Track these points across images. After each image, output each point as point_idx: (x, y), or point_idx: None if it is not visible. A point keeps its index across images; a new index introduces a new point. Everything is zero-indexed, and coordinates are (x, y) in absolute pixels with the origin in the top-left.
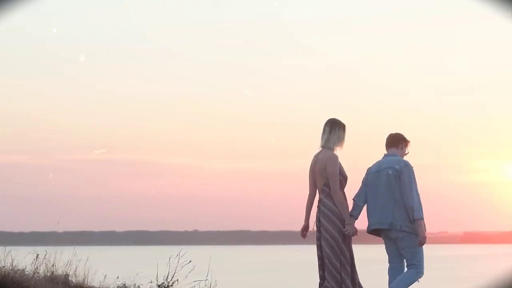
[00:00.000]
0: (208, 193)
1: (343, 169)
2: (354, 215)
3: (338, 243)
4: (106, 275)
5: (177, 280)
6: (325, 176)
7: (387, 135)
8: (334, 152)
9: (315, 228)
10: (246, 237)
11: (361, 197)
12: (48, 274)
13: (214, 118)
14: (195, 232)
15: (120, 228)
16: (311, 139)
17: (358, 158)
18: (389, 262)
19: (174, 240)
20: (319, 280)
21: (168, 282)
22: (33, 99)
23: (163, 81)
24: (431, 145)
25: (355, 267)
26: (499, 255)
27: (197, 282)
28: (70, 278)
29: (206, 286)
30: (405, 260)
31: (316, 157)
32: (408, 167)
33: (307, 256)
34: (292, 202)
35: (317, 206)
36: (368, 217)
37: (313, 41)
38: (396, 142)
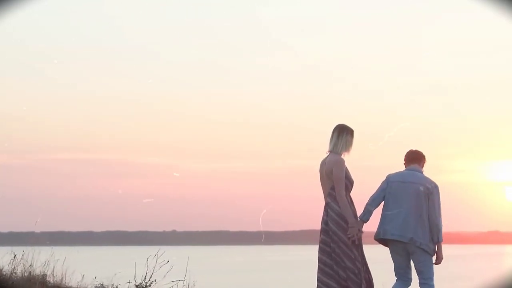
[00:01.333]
0: (186, 193)
1: (349, 173)
2: (365, 219)
3: (349, 246)
4: (84, 275)
5: (155, 280)
6: (332, 179)
7: (408, 151)
8: (341, 157)
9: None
10: (225, 237)
11: (376, 203)
12: (26, 274)
13: (191, 118)
14: (173, 232)
15: (97, 228)
16: (288, 139)
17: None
18: (395, 275)
19: (152, 240)
20: (316, 283)
21: (146, 282)
22: (12, 98)
23: (141, 80)
24: (406, 146)
25: (367, 267)
26: (477, 255)
27: (175, 282)
28: (47, 278)
29: (184, 286)
30: (417, 274)
31: (324, 161)
32: (437, 188)
33: (285, 256)
34: (270, 202)
35: (324, 210)
36: (384, 225)
37: (289, 40)
38: (419, 159)
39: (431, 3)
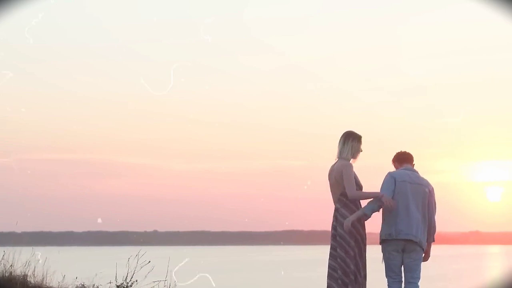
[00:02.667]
0: (167, 194)
1: (357, 177)
2: (369, 215)
3: (354, 251)
4: (64, 275)
5: (136, 281)
6: (342, 184)
7: (397, 153)
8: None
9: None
10: (206, 237)
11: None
12: (7, 275)
13: (174, 117)
14: (155, 232)
15: (79, 228)
16: (270, 139)
17: (313, 157)
18: (391, 276)
19: (134, 241)
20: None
21: (127, 283)
22: None
23: (122, 79)
24: (388, 146)
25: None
26: (458, 256)
27: (156, 283)
28: (28, 279)
29: (166, 287)
30: (405, 272)
31: (332, 168)
32: (433, 191)
33: (266, 256)
34: (251, 203)
35: (334, 216)
36: (397, 225)
37: (272, 40)
38: (410, 160)
39: (410, 3)
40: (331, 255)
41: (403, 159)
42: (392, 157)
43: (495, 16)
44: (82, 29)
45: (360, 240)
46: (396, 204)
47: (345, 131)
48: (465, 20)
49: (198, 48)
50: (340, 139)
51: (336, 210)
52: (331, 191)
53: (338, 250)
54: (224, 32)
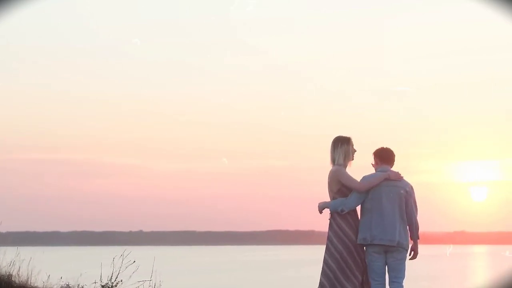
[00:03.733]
0: (153, 194)
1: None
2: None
3: (344, 257)
4: (49, 275)
5: (121, 281)
6: (334, 191)
7: (381, 148)
8: (344, 167)
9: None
10: (191, 237)
11: (357, 205)
12: None
13: (159, 117)
14: (140, 232)
15: (64, 228)
16: (256, 139)
17: (298, 157)
18: (374, 279)
19: (119, 241)
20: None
21: (112, 283)
22: None
23: (109, 79)
24: (374, 147)
25: (367, 277)
26: (443, 255)
27: (141, 283)
28: (13, 279)
29: (150, 287)
30: (388, 272)
31: (328, 174)
32: (413, 188)
33: (251, 256)
34: (237, 203)
35: (329, 223)
36: (371, 230)
37: (257, 41)
38: (392, 159)
39: (394, 5)
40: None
41: (385, 158)
42: (374, 150)
43: (476, 18)
44: (69, 28)
45: (350, 245)
46: (371, 210)
47: (334, 137)
48: (448, 22)
49: (185, 49)
50: (331, 146)
51: (331, 216)
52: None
53: (325, 254)
54: (210, 33)
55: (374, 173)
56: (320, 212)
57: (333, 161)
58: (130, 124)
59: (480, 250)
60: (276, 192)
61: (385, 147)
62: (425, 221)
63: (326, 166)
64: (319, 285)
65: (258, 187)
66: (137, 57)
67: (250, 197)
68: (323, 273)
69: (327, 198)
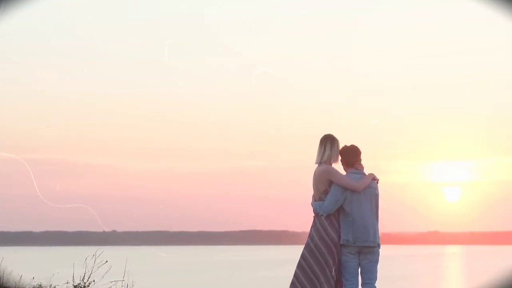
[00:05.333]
0: (126, 193)
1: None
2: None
3: (323, 255)
4: (21, 275)
5: (94, 281)
6: (320, 190)
7: (350, 148)
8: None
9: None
10: (165, 237)
11: (337, 207)
12: None
13: (133, 117)
14: (114, 232)
15: (37, 228)
16: (229, 139)
17: (272, 158)
18: (347, 279)
19: (92, 241)
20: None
21: (85, 283)
22: None
23: (84, 79)
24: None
25: (339, 277)
26: (416, 256)
27: (113, 283)
28: None
29: (123, 287)
30: (361, 274)
31: (314, 171)
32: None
33: (223, 256)
34: (211, 203)
35: (313, 220)
36: (354, 232)
37: (233, 41)
38: (359, 159)
39: (367, 6)
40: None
41: (355, 156)
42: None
43: (451, 19)
44: (49, 27)
45: (331, 245)
46: (352, 212)
47: (325, 135)
48: (422, 23)
49: (160, 49)
50: (326, 144)
51: (316, 214)
52: (313, 195)
53: (304, 250)
54: (185, 34)
55: (359, 175)
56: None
57: (317, 159)
58: (105, 124)
59: (453, 250)
60: (250, 192)
61: (349, 146)
62: (398, 222)
63: (300, 166)
64: (294, 276)
65: (232, 187)
66: (113, 57)
67: (223, 197)
68: (299, 266)
69: (301, 198)
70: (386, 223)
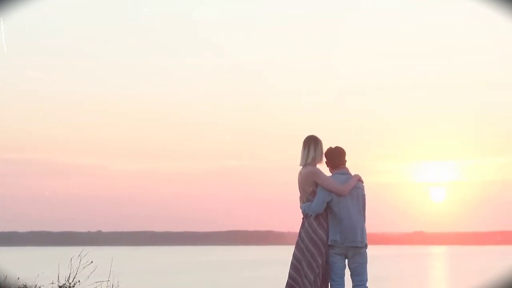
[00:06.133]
0: (112, 194)
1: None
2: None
3: (313, 255)
4: (6, 276)
5: (79, 281)
6: (307, 191)
7: (335, 149)
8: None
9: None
10: (150, 237)
11: (323, 207)
12: None
13: (118, 117)
14: (99, 232)
15: (22, 228)
16: (213, 139)
17: (257, 157)
18: (334, 280)
19: (77, 241)
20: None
21: (70, 283)
22: None
23: (70, 78)
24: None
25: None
26: (401, 256)
27: (99, 283)
28: None
29: (108, 287)
30: (352, 277)
31: (299, 174)
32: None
33: (209, 256)
34: (196, 203)
35: (302, 221)
36: (342, 233)
37: (218, 41)
38: (343, 160)
39: (350, 7)
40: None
41: (341, 157)
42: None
43: (433, 19)
44: (36, 27)
45: (320, 245)
46: (339, 213)
47: (308, 136)
48: (404, 24)
49: (146, 48)
50: (309, 145)
51: (304, 216)
52: (300, 194)
53: (296, 251)
54: (172, 32)
55: (344, 176)
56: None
57: (302, 161)
58: (91, 124)
59: (438, 250)
60: (235, 192)
61: (331, 147)
62: (383, 222)
63: (285, 166)
64: (289, 277)
65: (217, 188)
66: (98, 57)
67: (209, 198)
68: (292, 266)
69: (287, 198)
70: (371, 223)
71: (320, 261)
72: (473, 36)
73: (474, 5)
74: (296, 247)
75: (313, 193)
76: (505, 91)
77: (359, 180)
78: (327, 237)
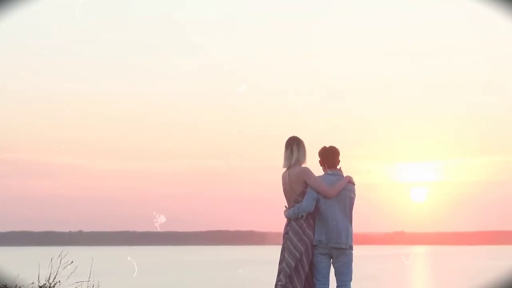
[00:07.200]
0: (93, 194)
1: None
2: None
3: (302, 256)
4: None
5: (59, 281)
6: (297, 192)
7: (329, 149)
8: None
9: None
10: (131, 237)
11: (312, 207)
12: None
13: (101, 117)
14: (80, 232)
15: (2, 228)
16: (196, 139)
17: (238, 157)
18: (318, 279)
19: (58, 241)
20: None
21: (50, 284)
22: None
23: (54, 78)
24: (313, 147)
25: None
26: (382, 256)
27: (79, 283)
28: None
29: (89, 287)
30: (336, 276)
31: (285, 175)
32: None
33: (190, 256)
34: (177, 203)
35: (289, 222)
36: (328, 233)
37: (201, 41)
38: (336, 160)
39: (331, 7)
40: (281, 260)
41: (334, 157)
42: (319, 150)
43: (414, 19)
44: (24, 26)
45: (309, 244)
46: (325, 214)
47: (291, 137)
48: (384, 23)
49: (129, 48)
50: (291, 146)
51: (294, 219)
52: (285, 196)
53: (284, 253)
54: (154, 33)
55: (335, 176)
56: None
57: (293, 161)
58: (72, 123)
59: (419, 250)
60: (216, 192)
61: (326, 147)
62: (364, 222)
63: (266, 166)
64: (279, 281)
65: (199, 187)
66: (84, 57)
67: (190, 197)
68: (284, 272)
69: (268, 198)
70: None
71: (305, 261)
72: (455, 36)
73: (454, 4)
74: (286, 251)
75: (303, 194)
76: (487, 91)
77: (350, 182)
78: (313, 235)
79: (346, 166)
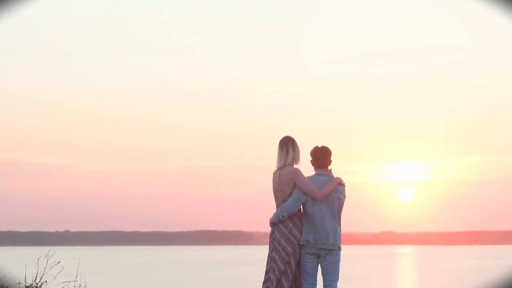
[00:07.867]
0: (80, 193)
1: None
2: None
3: (290, 258)
4: None
5: (46, 281)
6: (287, 192)
7: (321, 149)
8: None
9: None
10: (118, 237)
11: (297, 208)
12: None
13: (88, 116)
14: (67, 232)
15: None
16: (184, 139)
17: (225, 157)
18: (305, 279)
19: (45, 241)
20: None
21: (37, 284)
22: None
23: (39, 77)
24: (300, 148)
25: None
26: (369, 256)
27: (66, 283)
28: None
29: (76, 287)
30: (322, 276)
31: (276, 174)
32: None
33: (177, 256)
34: (165, 203)
35: (271, 230)
36: (315, 234)
37: (189, 41)
38: (328, 161)
39: (320, 7)
40: (268, 261)
41: (326, 157)
42: (311, 150)
43: (401, 19)
44: (14, 26)
45: (296, 245)
46: (313, 214)
47: (285, 137)
48: (371, 24)
49: (116, 47)
50: (286, 146)
51: (279, 221)
52: (274, 196)
53: (273, 253)
54: (141, 32)
55: (324, 177)
56: (273, 224)
57: (293, 161)
58: (59, 123)
59: (406, 250)
60: (204, 192)
61: (318, 147)
62: (351, 222)
63: (253, 166)
64: (267, 280)
65: (186, 187)
66: (72, 57)
67: (178, 197)
68: (273, 271)
69: (255, 198)
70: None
71: (292, 261)
72: (441, 36)
73: (442, 5)
74: (275, 252)
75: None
76: (473, 92)
77: (340, 183)
78: (300, 235)
79: (333, 166)
